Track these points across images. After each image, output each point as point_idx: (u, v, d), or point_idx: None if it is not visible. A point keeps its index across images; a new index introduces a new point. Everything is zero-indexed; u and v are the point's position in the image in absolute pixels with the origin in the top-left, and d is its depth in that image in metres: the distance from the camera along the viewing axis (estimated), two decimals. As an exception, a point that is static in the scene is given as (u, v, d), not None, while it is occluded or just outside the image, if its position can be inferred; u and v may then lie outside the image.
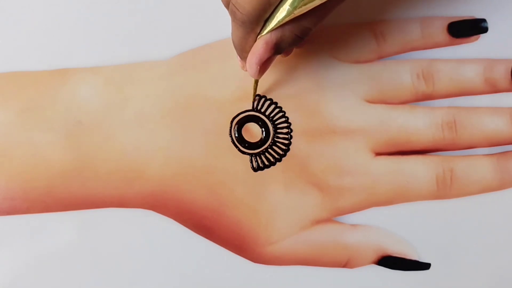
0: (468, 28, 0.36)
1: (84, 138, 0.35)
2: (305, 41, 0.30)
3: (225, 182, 0.35)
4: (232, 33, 0.30)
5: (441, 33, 0.36)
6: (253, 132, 0.36)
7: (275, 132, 0.36)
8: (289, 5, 0.27)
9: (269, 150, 0.35)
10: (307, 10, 0.27)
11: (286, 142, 0.35)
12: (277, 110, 0.36)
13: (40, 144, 0.35)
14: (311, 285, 0.35)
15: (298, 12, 0.27)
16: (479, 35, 0.36)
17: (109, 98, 0.36)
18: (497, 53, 0.36)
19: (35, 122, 0.35)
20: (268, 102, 0.36)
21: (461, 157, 0.36)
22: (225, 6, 0.29)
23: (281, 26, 0.28)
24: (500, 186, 0.36)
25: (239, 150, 0.35)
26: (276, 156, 0.35)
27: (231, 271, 0.35)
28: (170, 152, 0.35)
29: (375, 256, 0.35)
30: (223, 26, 0.35)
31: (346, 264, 0.35)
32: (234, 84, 0.36)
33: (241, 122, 0.36)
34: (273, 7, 0.28)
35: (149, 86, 0.36)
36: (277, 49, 0.29)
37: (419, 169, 0.35)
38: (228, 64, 0.36)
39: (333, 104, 0.36)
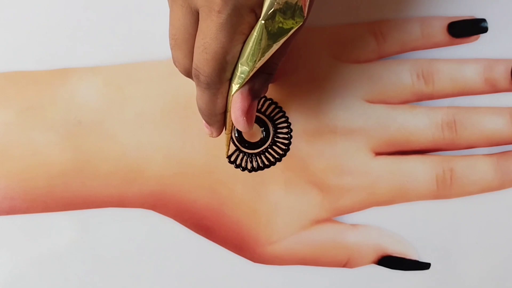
0: (468, 28, 0.36)
1: (84, 138, 0.35)
2: (276, 74, 0.30)
3: (225, 182, 0.35)
4: (198, 99, 0.30)
5: (441, 33, 0.36)
6: (253, 132, 0.36)
7: (275, 132, 0.36)
8: (249, 61, 0.27)
9: (269, 150, 0.35)
10: (267, 59, 0.27)
11: (286, 142, 0.36)
12: (277, 110, 0.36)
13: (40, 144, 0.35)
14: (311, 285, 0.35)
15: (259, 64, 0.27)
16: (479, 35, 0.36)
17: (109, 98, 0.36)
18: (497, 53, 0.36)
19: (35, 122, 0.35)
20: (268, 102, 0.36)
21: (461, 157, 0.36)
22: (185, 75, 0.30)
23: None
24: (500, 186, 0.36)
25: (239, 150, 0.35)
26: (276, 156, 0.35)
27: (231, 271, 0.35)
28: (170, 152, 0.35)
29: (375, 256, 0.35)
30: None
31: (346, 264, 0.35)
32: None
33: (241, 122, 0.36)
34: (232, 66, 0.28)
35: (149, 86, 0.36)
36: (253, 94, 0.29)
37: (419, 169, 0.35)
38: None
39: (333, 104, 0.36)
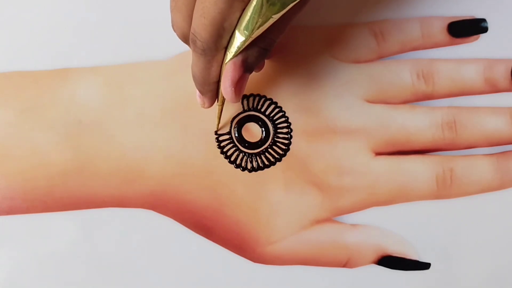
0: (468, 28, 0.36)
1: (84, 138, 0.35)
2: (273, 52, 0.30)
3: (225, 182, 0.35)
4: (193, 66, 0.30)
5: (441, 33, 0.36)
6: (253, 132, 0.36)
7: (275, 132, 0.36)
8: (245, 29, 0.27)
9: (269, 150, 0.35)
10: (263, 30, 0.27)
11: (286, 142, 0.36)
12: (277, 110, 0.36)
13: (40, 144, 0.35)
14: (311, 285, 0.35)
15: (255, 34, 0.27)
16: (479, 35, 0.36)
17: (109, 98, 0.36)
18: (497, 53, 0.36)
19: (35, 122, 0.35)
20: (268, 102, 0.36)
21: (461, 157, 0.36)
22: (182, 39, 0.30)
23: None
24: (500, 186, 0.36)
25: (239, 150, 0.35)
26: (276, 156, 0.35)
27: (231, 271, 0.35)
28: (170, 152, 0.35)
29: (375, 256, 0.35)
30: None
31: (346, 264, 0.35)
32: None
33: (241, 122, 0.36)
34: (229, 33, 0.28)
35: (149, 86, 0.36)
36: (246, 66, 0.29)
37: (419, 168, 0.35)
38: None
39: (333, 104, 0.36)
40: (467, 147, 0.36)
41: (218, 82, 0.30)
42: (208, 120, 0.35)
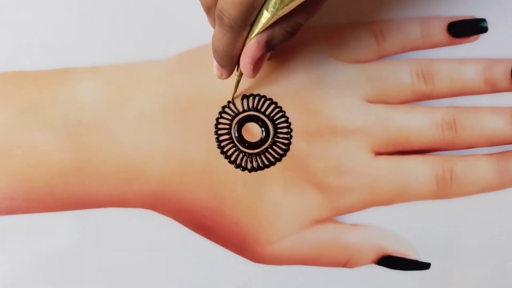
0: (468, 28, 0.36)
1: (84, 138, 0.35)
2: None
3: (225, 182, 0.35)
4: (216, 40, 0.30)
5: (441, 33, 0.36)
6: (253, 132, 0.36)
7: (275, 132, 0.36)
8: (272, 7, 0.27)
9: (269, 149, 0.35)
10: (289, 10, 0.28)
11: (286, 142, 0.36)
12: (277, 110, 0.36)
13: (40, 144, 0.35)
14: (311, 285, 0.35)
15: (281, 13, 0.28)
16: (479, 35, 0.36)
17: (109, 98, 0.36)
18: (497, 53, 0.36)
19: (35, 122, 0.35)
20: (268, 102, 0.36)
21: (461, 157, 0.36)
22: (206, 11, 0.30)
23: (271, 24, 0.28)
24: (500, 185, 0.36)
25: (239, 150, 0.35)
26: (276, 155, 0.35)
27: (231, 271, 0.35)
28: (170, 152, 0.35)
29: (375, 255, 0.35)
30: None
31: (346, 263, 0.35)
32: (233, 84, 0.36)
33: (241, 122, 0.36)
34: (258, 10, 0.28)
35: (149, 86, 0.36)
36: (269, 46, 0.29)
37: (419, 168, 0.35)
38: (228, 64, 0.36)
39: (333, 104, 0.36)
40: (467, 147, 0.36)
41: (239, 55, 0.31)
42: (208, 120, 0.35)
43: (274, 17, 0.28)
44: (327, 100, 0.36)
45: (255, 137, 0.36)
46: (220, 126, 0.36)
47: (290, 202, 0.35)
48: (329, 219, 0.35)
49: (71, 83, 0.36)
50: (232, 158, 0.35)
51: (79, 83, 0.36)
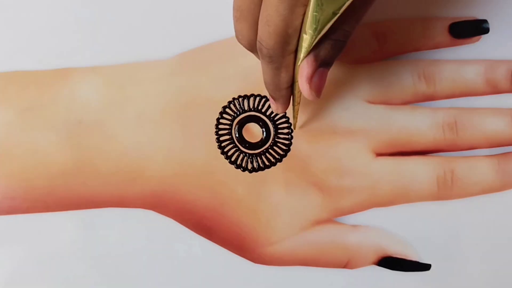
0: (469, 29, 0.36)
1: (85, 138, 0.35)
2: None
3: (226, 182, 0.35)
4: (263, 74, 0.30)
5: (442, 33, 0.36)
6: (253, 132, 0.36)
7: (276, 133, 0.36)
8: (310, 29, 0.27)
9: (270, 150, 0.35)
10: (330, 26, 0.27)
11: (287, 142, 0.35)
12: (277, 110, 0.36)
13: (41, 144, 0.35)
14: (311, 286, 0.35)
15: (322, 32, 0.27)
16: (480, 36, 0.36)
17: (109, 98, 0.36)
18: (498, 54, 0.36)
19: (36, 122, 0.35)
20: (268, 102, 0.36)
21: (462, 158, 0.36)
22: (248, 49, 0.30)
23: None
24: (501, 187, 0.36)
25: (239, 150, 0.35)
26: (277, 156, 0.35)
27: (231, 271, 0.35)
28: (171, 152, 0.35)
29: (375, 256, 0.35)
30: (223, 26, 0.35)
31: (346, 264, 0.35)
32: (234, 84, 0.36)
33: (241, 122, 0.36)
34: (295, 38, 0.27)
35: (150, 86, 0.36)
36: (320, 60, 0.28)
37: (420, 170, 0.35)
38: (229, 64, 0.36)
39: (334, 105, 0.35)
40: (468, 148, 0.36)
41: (290, 87, 0.30)
42: (209, 120, 0.35)
43: (316, 38, 0.27)
44: (328, 101, 0.36)
45: (255, 138, 0.36)
46: (220, 126, 0.36)
47: (291, 202, 0.35)
48: (330, 220, 0.35)
49: (71, 83, 0.36)
50: (233, 159, 0.35)
51: (79, 83, 0.36)
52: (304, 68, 0.28)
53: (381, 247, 0.35)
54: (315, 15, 0.26)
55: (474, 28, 0.36)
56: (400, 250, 0.35)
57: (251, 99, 0.36)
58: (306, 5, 0.26)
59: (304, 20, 0.27)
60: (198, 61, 0.36)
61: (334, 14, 0.26)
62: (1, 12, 0.36)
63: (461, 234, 0.35)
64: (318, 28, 0.27)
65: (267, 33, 0.27)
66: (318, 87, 0.29)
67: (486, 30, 0.36)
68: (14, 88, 0.36)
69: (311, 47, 0.27)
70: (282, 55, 0.28)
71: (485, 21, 0.36)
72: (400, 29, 0.36)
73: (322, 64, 0.28)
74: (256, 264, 0.35)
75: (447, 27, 0.36)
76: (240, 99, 0.36)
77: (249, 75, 0.35)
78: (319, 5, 0.26)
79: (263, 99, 0.36)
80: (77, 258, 0.35)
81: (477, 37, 0.36)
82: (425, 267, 0.35)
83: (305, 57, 0.28)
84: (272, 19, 0.26)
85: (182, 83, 0.36)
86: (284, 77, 0.29)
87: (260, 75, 0.35)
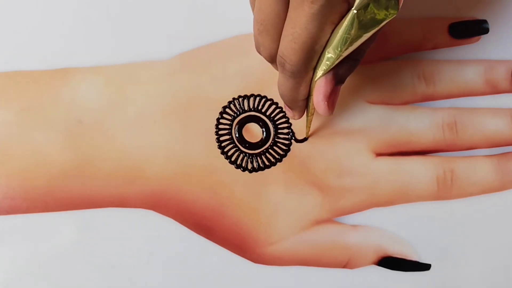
0: (469, 29, 0.36)
1: (85, 138, 0.35)
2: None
3: (226, 182, 0.35)
4: (280, 85, 0.30)
5: (442, 34, 0.36)
6: (253, 132, 0.36)
7: (276, 133, 0.36)
8: (335, 49, 0.27)
9: (270, 150, 0.35)
10: (352, 50, 0.27)
11: (287, 142, 0.35)
12: (278, 110, 0.36)
13: (41, 144, 0.35)
14: (311, 286, 0.35)
15: (346, 53, 0.27)
16: (480, 36, 0.36)
17: (109, 98, 0.36)
18: (498, 54, 0.36)
19: (36, 122, 0.35)
20: (268, 102, 0.36)
21: (461, 158, 0.36)
22: (269, 60, 0.30)
23: None
24: (500, 187, 0.36)
25: (239, 150, 0.35)
26: (277, 156, 0.35)
27: (231, 271, 0.35)
28: (171, 152, 0.35)
29: (375, 256, 0.35)
30: (223, 26, 0.35)
31: (346, 264, 0.35)
32: (234, 84, 0.36)
33: (241, 122, 0.36)
34: (319, 54, 0.27)
35: (150, 86, 0.36)
36: (337, 79, 0.29)
37: (419, 169, 0.35)
38: (229, 64, 0.36)
39: (334, 105, 0.36)
40: (467, 148, 0.36)
41: (307, 99, 0.30)
42: (209, 120, 0.35)
43: (339, 58, 0.27)
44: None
45: (255, 138, 0.36)
46: (220, 126, 0.36)
47: (291, 202, 0.35)
48: (330, 219, 0.35)
49: (71, 83, 0.36)
50: (233, 159, 0.35)
51: (79, 83, 0.36)
52: (322, 86, 0.28)
53: (381, 247, 0.35)
54: (346, 36, 0.26)
55: (473, 28, 0.36)
56: (400, 250, 0.35)
57: (251, 99, 0.36)
58: (335, 23, 0.26)
59: (331, 39, 0.27)
60: (198, 61, 0.36)
61: (364, 37, 0.26)
62: (1, 12, 0.36)
63: (461, 234, 0.35)
64: (345, 49, 0.27)
65: (292, 49, 0.27)
66: (333, 104, 0.29)
67: (485, 30, 0.36)
68: (14, 88, 0.36)
69: (332, 66, 0.28)
70: (305, 71, 0.28)
71: (484, 21, 0.36)
72: (400, 29, 0.36)
73: (338, 83, 0.29)
74: (256, 264, 0.35)
75: (447, 27, 0.36)
76: (240, 99, 0.36)
77: (249, 75, 0.35)
78: (351, 28, 0.26)
79: (263, 99, 0.36)
80: (77, 258, 0.35)
81: (477, 37, 0.36)
82: (425, 267, 0.35)
83: (324, 74, 0.28)
84: (300, 37, 0.26)
85: (182, 83, 0.36)
86: (303, 90, 0.30)
87: (260, 75, 0.35)
